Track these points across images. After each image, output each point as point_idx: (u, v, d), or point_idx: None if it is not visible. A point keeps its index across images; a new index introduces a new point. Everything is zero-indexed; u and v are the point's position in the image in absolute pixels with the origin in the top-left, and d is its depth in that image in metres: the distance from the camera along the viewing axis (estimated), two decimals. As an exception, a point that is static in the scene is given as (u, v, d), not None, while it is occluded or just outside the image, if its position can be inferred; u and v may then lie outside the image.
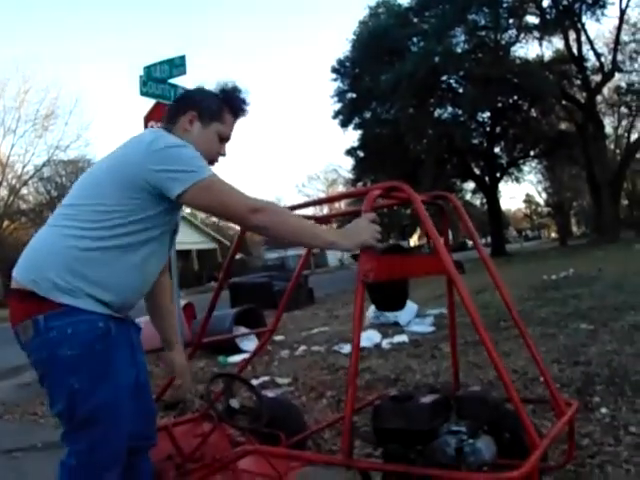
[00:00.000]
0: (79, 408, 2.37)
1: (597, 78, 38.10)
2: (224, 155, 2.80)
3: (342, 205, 40.79)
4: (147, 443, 2.84)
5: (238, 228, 3.87)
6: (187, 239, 46.88)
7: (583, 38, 37.24)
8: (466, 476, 2.57)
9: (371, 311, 9.68)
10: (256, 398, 4.09)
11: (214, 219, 73.33)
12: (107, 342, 2.40)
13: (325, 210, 35.49)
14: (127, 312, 2.67)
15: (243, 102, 2.79)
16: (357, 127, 43.20)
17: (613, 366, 5.42)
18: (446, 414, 2.81)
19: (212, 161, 2.70)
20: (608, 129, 45.80)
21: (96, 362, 2.38)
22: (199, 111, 2.67)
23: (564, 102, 39.02)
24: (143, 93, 9.65)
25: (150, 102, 9.77)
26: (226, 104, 2.74)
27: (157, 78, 9.86)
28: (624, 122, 47.72)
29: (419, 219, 2.80)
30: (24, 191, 49.45)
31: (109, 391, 2.40)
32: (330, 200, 4.08)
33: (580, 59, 37.63)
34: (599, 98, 41.18)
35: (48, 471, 4.36)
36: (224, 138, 2.76)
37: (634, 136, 43.88)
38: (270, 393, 5.89)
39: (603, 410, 4.43)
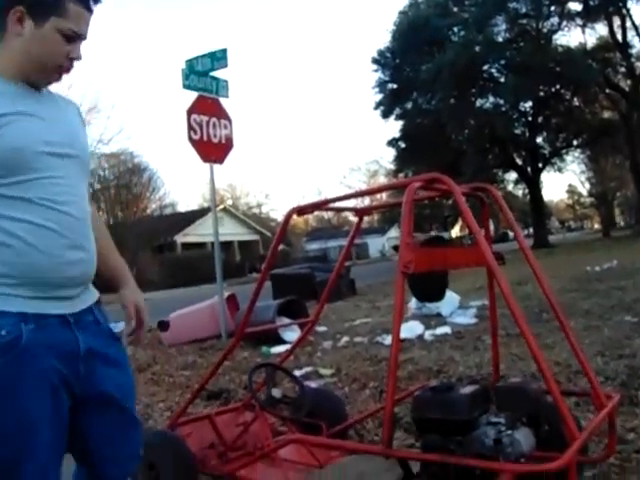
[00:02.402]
0: None
1: (642, 65, 37.49)
2: (78, 58, 2.10)
3: (384, 197, 40.68)
4: (130, 470, 2.32)
5: (280, 219, 3.91)
6: (229, 231, 47.13)
7: (628, 24, 36.70)
8: (504, 467, 2.58)
9: (413, 302, 9.68)
10: (298, 388, 4.14)
11: (255, 210, 73.92)
12: (10, 357, 1.89)
13: (366, 202, 35.53)
14: (74, 296, 2.09)
15: None
16: (398, 118, 43.17)
17: (659, 359, 5.38)
18: (486, 405, 2.84)
19: (61, 67, 2.08)
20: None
21: None
22: (28, 5, 1.99)
23: (608, 90, 38.50)
24: (185, 86, 9.77)
25: (192, 95, 9.88)
26: None
27: (199, 71, 9.98)
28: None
29: (459, 211, 2.82)
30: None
31: (7, 428, 1.91)
32: (371, 192, 4.11)
33: (625, 46, 37.04)
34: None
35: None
36: (72, 36, 2.05)
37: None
38: (313, 384, 5.94)
39: (649, 404, 4.40)
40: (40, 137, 1.98)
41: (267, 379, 3.90)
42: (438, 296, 3.64)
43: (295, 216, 3.74)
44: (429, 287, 3.44)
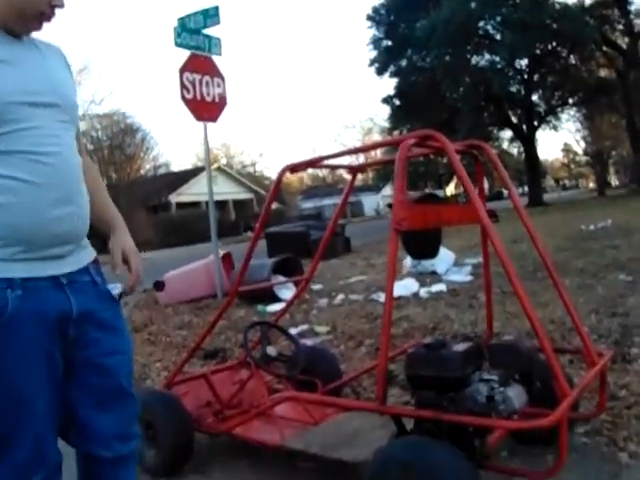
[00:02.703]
0: None
1: (641, 22, 37.15)
2: (60, 6, 1.99)
3: (378, 154, 40.57)
4: (111, 453, 2.14)
5: (274, 178, 3.88)
6: (223, 190, 47.03)
7: (627, -21, 36.16)
8: (495, 423, 2.64)
9: (409, 260, 9.70)
10: (293, 346, 4.17)
11: (250, 169, 73.68)
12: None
13: (361, 159, 35.41)
14: (67, 254, 2.00)
15: None
16: (393, 75, 42.86)
17: (651, 318, 5.41)
18: (479, 362, 2.85)
19: (42, 15, 1.97)
20: (650, 76, 44.69)
21: None
22: None
23: (605, 48, 38.18)
24: (177, 44, 9.67)
25: (185, 53, 9.79)
26: None
27: (191, 29, 9.88)
28: (668, 68, 46.53)
29: (453, 168, 2.81)
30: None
31: None
32: (364, 149, 4.09)
33: (623, 2, 36.58)
34: (642, 43, 40.11)
35: None
36: None
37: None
38: (308, 341, 5.97)
39: (642, 361, 4.44)
40: (17, 86, 1.86)
41: (262, 337, 3.93)
42: (431, 253, 3.65)
43: (288, 174, 3.75)
44: (422, 244, 3.45)
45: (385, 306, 2.76)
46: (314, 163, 3.70)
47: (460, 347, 2.78)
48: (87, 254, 2.11)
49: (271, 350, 3.80)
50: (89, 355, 2.05)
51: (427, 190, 50.38)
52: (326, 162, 3.79)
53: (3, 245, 1.82)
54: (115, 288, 2.15)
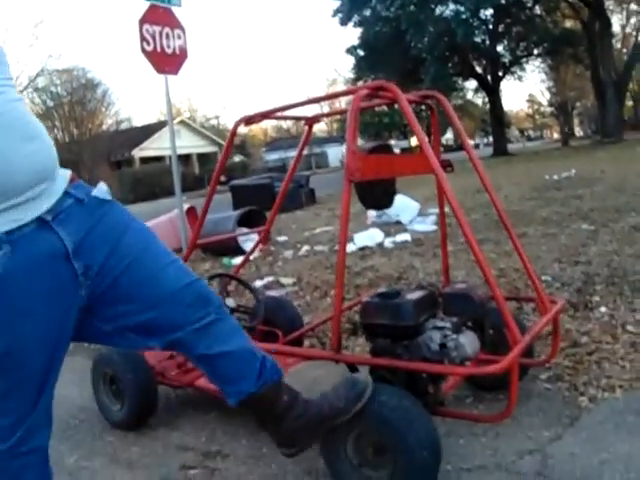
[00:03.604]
0: None
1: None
2: None
3: (342, 104, 40.36)
4: (196, 325, 2.12)
5: (238, 131, 3.80)
6: (187, 143, 46.55)
7: None
8: (447, 369, 2.67)
9: (373, 211, 9.71)
10: (254, 297, 4.15)
11: (214, 122, 73.00)
12: None
13: (325, 109, 35.14)
14: (43, 190, 1.84)
15: None
16: (357, 25, 42.54)
17: (613, 266, 5.46)
18: (433, 310, 2.87)
19: None
20: (615, 27, 44.90)
21: None
22: None
23: (570, -1, 38.09)
24: (137, -5, 9.43)
25: (144, 5, 9.59)
26: None
27: (151, -21, 9.65)
28: (633, 20, 46.79)
29: (406, 118, 2.79)
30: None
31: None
32: (318, 100, 3.99)
33: (588, -48, 36.45)
34: (607, -6, 40.15)
35: (63, 376, 4.48)
36: None
37: (643, 34, 42.89)
38: (273, 293, 5.96)
39: (602, 309, 4.49)
40: None
41: (221, 289, 3.91)
42: (386, 204, 3.63)
43: (244, 126, 3.69)
44: (376, 195, 3.43)
45: (339, 255, 2.77)
46: (269, 114, 3.63)
47: (413, 295, 2.80)
48: (62, 179, 1.93)
49: (230, 302, 3.79)
50: (109, 271, 1.95)
51: (393, 141, 50.37)
52: (282, 113, 3.73)
53: None
54: (100, 191, 2.00)
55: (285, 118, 3.94)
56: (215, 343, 2.16)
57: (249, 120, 3.59)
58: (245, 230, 9.11)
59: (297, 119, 4.19)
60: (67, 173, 1.97)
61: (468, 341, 2.69)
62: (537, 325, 2.89)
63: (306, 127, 3.98)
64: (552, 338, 3.28)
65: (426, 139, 2.77)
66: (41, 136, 1.86)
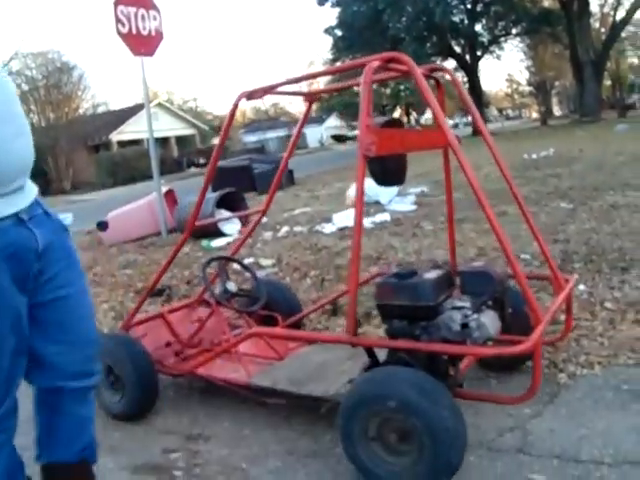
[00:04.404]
0: None
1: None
2: None
3: (321, 85, 40.15)
4: (75, 383, 2.26)
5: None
6: (165, 126, 46.12)
7: None
8: (471, 350, 2.60)
9: (352, 190, 9.70)
10: (253, 280, 4.09)
11: (191, 104, 72.45)
12: None
13: (304, 89, 34.73)
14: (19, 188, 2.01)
15: None
16: (335, 5, 42.27)
17: (591, 244, 5.50)
18: (450, 290, 2.80)
19: None
20: (594, 7, 44.60)
21: None
22: None
23: (549, -23, 38.04)
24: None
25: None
26: None
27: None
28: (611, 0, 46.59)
29: (420, 92, 2.68)
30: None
31: None
32: (324, 74, 3.94)
33: None
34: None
35: None
36: None
37: (620, 14, 42.71)
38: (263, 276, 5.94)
39: (581, 287, 4.52)
40: None
41: (221, 273, 3.82)
42: (398, 180, 3.50)
43: (245, 100, 3.52)
44: (390, 170, 3.31)
45: (355, 235, 2.68)
46: (271, 89, 3.53)
47: (431, 275, 2.71)
48: (33, 186, 2.11)
49: (231, 285, 3.73)
50: (51, 289, 2.09)
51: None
52: (281, 89, 3.63)
53: None
54: (66, 218, 2.13)
55: (286, 93, 3.85)
56: (78, 405, 2.29)
57: (250, 95, 3.45)
58: (225, 212, 9.09)
59: (299, 95, 4.11)
60: (35, 185, 2.14)
61: (489, 320, 2.63)
62: (556, 303, 2.85)
63: (306, 103, 3.90)
64: (566, 314, 3.28)
65: (441, 113, 2.69)
66: (28, 133, 2.01)
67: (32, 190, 2.07)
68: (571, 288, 3.11)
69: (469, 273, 2.91)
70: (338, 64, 41.62)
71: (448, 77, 3.59)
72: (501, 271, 2.98)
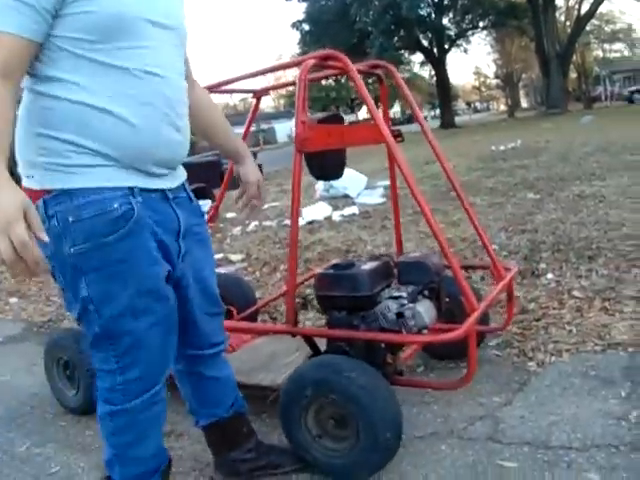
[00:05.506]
0: (93, 321, 1.93)
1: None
2: None
3: (289, 78, 40.16)
4: (212, 350, 2.39)
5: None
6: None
7: None
8: (405, 338, 2.65)
9: (321, 184, 9.70)
10: None
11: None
12: (126, 230, 1.85)
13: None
14: (169, 173, 2.06)
15: None
16: (301, -1, 42.23)
17: (558, 234, 5.54)
18: (388, 280, 2.84)
19: None
20: (559, 0, 45.07)
21: (108, 261, 1.86)
22: None
23: (515, -29, 38.31)
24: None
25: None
26: None
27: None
28: (575, -7, 46.99)
29: (356, 88, 2.73)
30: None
31: (125, 300, 1.90)
32: (264, 72, 3.90)
33: None
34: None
35: (12, 363, 4.38)
36: None
37: (585, 7, 43.10)
38: (222, 270, 5.91)
39: (549, 276, 4.55)
40: (143, 3, 1.83)
41: None
42: (335, 175, 3.57)
43: None
44: (327, 165, 3.37)
45: (291, 229, 2.73)
46: (214, 88, 3.52)
47: (368, 266, 2.75)
48: (183, 171, 2.20)
49: None
50: (195, 268, 2.19)
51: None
52: (227, 87, 3.62)
53: (123, 160, 1.84)
54: (204, 206, 2.16)
55: (232, 91, 3.82)
56: (213, 368, 2.43)
57: None
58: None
59: (245, 92, 4.08)
60: (184, 172, 2.22)
61: (425, 310, 2.66)
62: (493, 292, 2.90)
63: (254, 100, 3.89)
64: (507, 304, 3.30)
65: (375, 109, 2.72)
66: (184, 127, 2.04)
67: (180, 175, 2.15)
68: (511, 277, 3.14)
69: (406, 263, 2.94)
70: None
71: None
72: (437, 261, 3.01)
